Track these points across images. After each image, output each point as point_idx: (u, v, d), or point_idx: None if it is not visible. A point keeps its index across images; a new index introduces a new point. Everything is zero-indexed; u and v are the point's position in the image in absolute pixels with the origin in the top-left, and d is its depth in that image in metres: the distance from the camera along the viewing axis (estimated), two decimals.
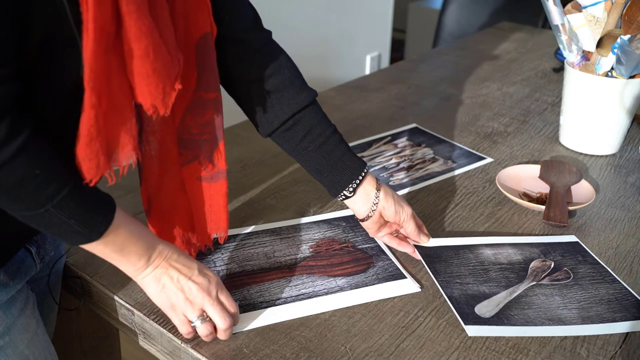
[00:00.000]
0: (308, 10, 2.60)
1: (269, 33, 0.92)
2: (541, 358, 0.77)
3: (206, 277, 0.76)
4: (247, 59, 0.89)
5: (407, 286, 0.88)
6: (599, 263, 0.95)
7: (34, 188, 0.62)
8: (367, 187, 0.91)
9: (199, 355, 0.76)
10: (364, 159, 1.23)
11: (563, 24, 1.25)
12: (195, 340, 0.78)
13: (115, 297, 0.85)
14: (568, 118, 1.30)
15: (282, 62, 0.91)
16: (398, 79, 1.70)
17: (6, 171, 0.60)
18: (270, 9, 2.42)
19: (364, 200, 0.91)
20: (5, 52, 0.59)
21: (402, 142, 1.32)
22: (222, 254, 0.94)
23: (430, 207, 1.08)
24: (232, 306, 0.77)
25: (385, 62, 3.16)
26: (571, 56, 1.27)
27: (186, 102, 0.80)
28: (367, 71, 3.05)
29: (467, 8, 2.60)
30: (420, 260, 0.93)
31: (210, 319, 0.76)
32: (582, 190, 1.11)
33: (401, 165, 1.22)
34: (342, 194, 0.91)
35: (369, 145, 1.30)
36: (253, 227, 1.00)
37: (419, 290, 0.88)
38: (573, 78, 1.26)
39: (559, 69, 1.77)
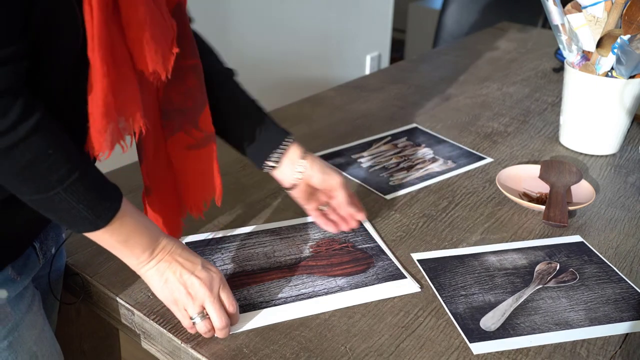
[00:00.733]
0: (308, 10, 2.60)
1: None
2: (541, 358, 0.77)
3: (209, 272, 0.77)
4: None
5: (407, 286, 0.88)
6: (605, 262, 0.95)
7: (46, 169, 0.63)
8: (293, 156, 0.92)
9: (199, 355, 0.76)
10: (364, 159, 1.24)
11: (563, 24, 1.25)
12: (195, 340, 0.78)
13: (116, 297, 0.85)
14: (568, 118, 1.30)
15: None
16: (398, 79, 1.70)
17: (21, 150, 0.62)
18: (270, 9, 2.42)
19: (290, 170, 0.92)
20: (14, 27, 0.60)
21: (402, 142, 1.32)
22: (222, 253, 0.94)
23: (430, 207, 1.08)
24: (232, 304, 0.78)
25: (385, 62, 3.16)
26: (571, 56, 1.27)
27: None
28: (367, 71, 3.05)
29: (467, 8, 2.60)
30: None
31: (209, 316, 0.76)
32: (582, 190, 1.11)
33: (401, 165, 1.22)
34: (266, 164, 0.92)
35: (369, 145, 1.30)
36: (253, 227, 1.00)
37: (419, 290, 0.87)
38: (573, 78, 1.26)
39: (559, 69, 1.77)
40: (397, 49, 3.87)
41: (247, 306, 0.83)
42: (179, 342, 0.78)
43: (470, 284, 0.89)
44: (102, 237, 0.71)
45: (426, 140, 1.33)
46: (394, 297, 0.86)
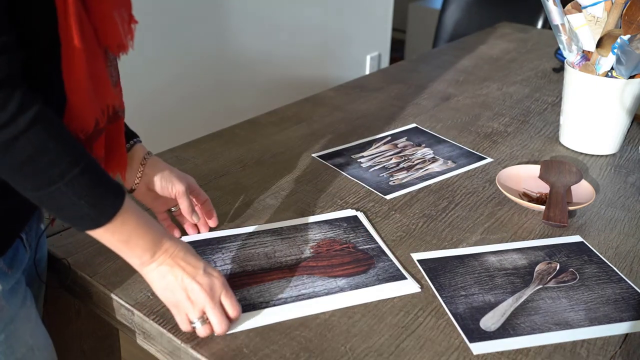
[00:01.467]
0: (308, 11, 2.60)
1: None
2: (541, 358, 0.77)
3: (211, 277, 0.76)
4: None
5: (407, 286, 0.88)
6: (605, 262, 0.95)
7: (47, 162, 0.63)
8: (134, 160, 0.89)
9: (198, 355, 0.76)
10: (364, 159, 1.24)
11: (563, 24, 1.25)
12: (195, 340, 0.78)
13: (115, 297, 0.85)
14: (568, 118, 1.30)
15: None
16: (398, 79, 1.70)
17: (22, 143, 0.61)
18: (270, 9, 2.42)
19: (130, 173, 0.89)
20: (3, 19, 0.60)
21: (402, 142, 1.32)
22: (223, 253, 0.93)
23: (430, 207, 1.08)
24: (235, 309, 0.78)
25: (385, 62, 3.16)
26: (571, 56, 1.27)
27: None
28: (367, 71, 3.05)
29: (467, 8, 2.60)
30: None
31: (210, 321, 0.76)
32: (582, 190, 1.11)
33: (401, 165, 1.22)
34: None
35: (369, 145, 1.30)
36: (255, 227, 1.00)
37: (419, 290, 0.87)
38: (573, 78, 1.26)
39: (559, 69, 1.77)
40: (397, 49, 3.87)
41: (247, 306, 0.83)
42: (179, 342, 0.78)
43: (470, 284, 0.89)
44: (103, 236, 0.70)
45: (426, 140, 1.33)
46: (394, 297, 0.86)
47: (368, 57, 3.04)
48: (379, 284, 0.88)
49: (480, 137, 1.35)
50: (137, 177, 0.90)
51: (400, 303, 0.85)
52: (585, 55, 1.27)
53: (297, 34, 2.59)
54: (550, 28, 1.35)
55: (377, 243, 0.97)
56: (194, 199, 0.95)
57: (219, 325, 0.76)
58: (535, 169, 1.16)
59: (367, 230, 1.00)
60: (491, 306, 0.85)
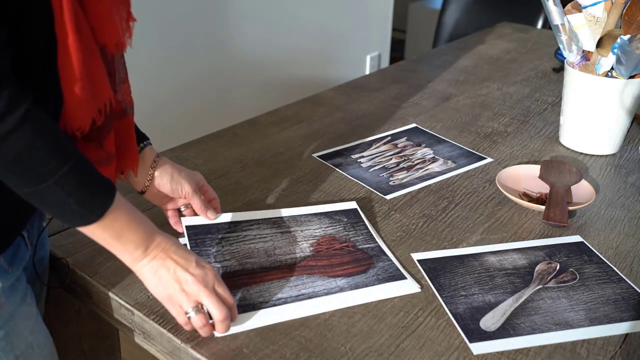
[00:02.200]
0: (308, 11, 2.60)
1: None
2: (541, 358, 0.77)
3: (203, 269, 0.77)
4: None
5: (407, 286, 0.88)
6: (605, 262, 0.95)
7: (36, 161, 0.63)
8: (144, 162, 0.90)
9: (198, 355, 0.76)
10: (364, 159, 1.24)
11: (563, 24, 1.25)
12: (195, 340, 0.78)
13: (115, 297, 0.85)
14: (568, 118, 1.30)
15: None
16: (398, 79, 1.70)
17: (10, 142, 0.61)
18: (270, 9, 2.42)
19: (141, 175, 0.90)
20: None
21: (402, 142, 1.32)
22: (223, 247, 0.93)
23: (430, 207, 1.08)
24: (229, 298, 0.78)
25: (385, 62, 3.16)
26: (571, 56, 1.27)
27: None
28: (367, 71, 3.05)
29: (467, 8, 2.60)
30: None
31: (204, 311, 0.76)
32: (582, 190, 1.11)
33: (401, 165, 1.22)
34: None
35: (369, 145, 1.30)
36: (256, 213, 1.01)
37: (419, 290, 0.87)
38: (573, 78, 1.26)
39: (559, 69, 1.77)
40: (397, 49, 3.87)
41: (247, 306, 0.83)
42: (179, 342, 0.78)
43: (470, 284, 0.89)
44: (94, 232, 0.70)
45: (426, 140, 1.33)
46: (394, 297, 0.86)
47: (368, 57, 3.04)
48: (378, 284, 0.88)
49: (480, 137, 1.35)
50: (148, 180, 0.91)
51: (400, 303, 0.85)
52: (585, 55, 1.27)
53: (297, 34, 2.59)
54: (550, 28, 1.35)
55: (376, 242, 0.97)
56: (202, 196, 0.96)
57: (217, 311, 0.75)
58: (535, 169, 1.16)
59: (367, 228, 1.00)
60: (491, 306, 0.85)
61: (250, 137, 1.31)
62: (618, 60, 1.17)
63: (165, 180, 0.91)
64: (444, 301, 0.85)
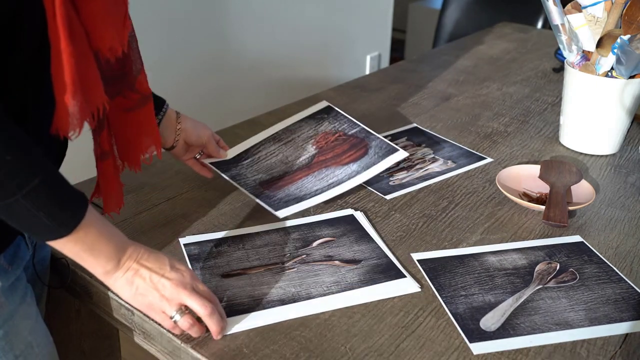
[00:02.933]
0: (308, 10, 2.60)
1: None
2: (541, 358, 0.77)
3: (179, 271, 0.76)
4: None
5: (407, 286, 0.88)
6: (605, 262, 0.94)
7: (4, 174, 0.62)
8: (170, 120, 1.01)
9: (198, 355, 0.76)
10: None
11: (563, 24, 1.25)
12: (195, 340, 0.78)
13: (115, 297, 0.85)
14: (568, 118, 1.30)
15: None
16: (398, 79, 1.70)
17: None
18: (270, 10, 2.42)
19: (169, 131, 1.01)
20: None
21: (402, 142, 1.32)
22: (246, 169, 1.09)
23: (430, 207, 1.08)
24: (210, 295, 0.78)
25: (385, 62, 3.16)
26: (571, 56, 1.27)
27: None
28: (367, 71, 3.05)
29: (467, 8, 2.60)
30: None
31: (189, 312, 0.76)
32: (582, 190, 1.11)
33: (401, 165, 1.22)
34: None
35: None
36: (252, 139, 1.17)
37: (419, 290, 0.87)
38: (573, 78, 1.26)
39: (559, 69, 1.77)
40: (397, 49, 3.87)
41: (291, 200, 1.01)
42: (179, 342, 0.78)
43: (470, 284, 0.89)
44: (66, 246, 0.69)
45: (426, 140, 1.33)
46: (394, 297, 0.86)
47: (368, 57, 3.04)
48: (379, 282, 0.88)
49: (480, 137, 1.35)
50: (177, 134, 1.02)
51: (400, 303, 0.85)
52: (585, 55, 1.27)
53: (297, 34, 2.59)
54: (550, 28, 1.35)
55: (359, 125, 1.15)
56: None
57: (202, 308, 0.75)
58: (535, 169, 1.16)
59: (346, 116, 1.18)
60: (491, 306, 0.85)
61: (250, 137, 1.31)
62: (618, 60, 1.17)
63: (190, 131, 1.04)
64: (444, 301, 0.85)
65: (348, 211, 1.05)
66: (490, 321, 0.82)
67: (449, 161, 1.24)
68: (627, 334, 0.81)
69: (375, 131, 1.37)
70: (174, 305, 0.75)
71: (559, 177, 1.12)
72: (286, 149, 1.14)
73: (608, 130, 1.26)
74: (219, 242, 0.96)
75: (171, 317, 0.75)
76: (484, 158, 1.26)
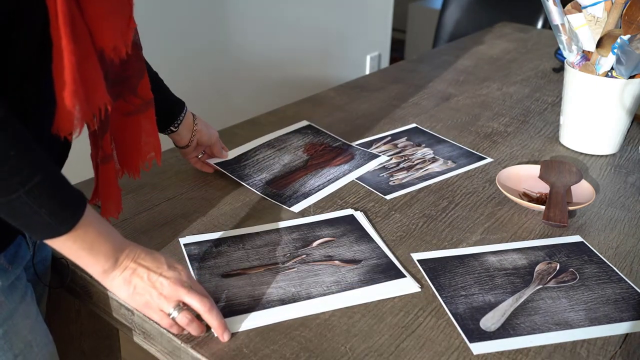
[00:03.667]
0: (308, 10, 2.60)
1: None
2: (541, 358, 0.77)
3: (176, 270, 0.77)
4: None
5: (407, 286, 0.88)
6: (605, 262, 0.94)
7: (7, 171, 0.62)
8: (188, 122, 1.08)
9: (198, 355, 0.76)
10: None
11: (563, 24, 1.25)
12: (195, 340, 0.78)
13: (115, 297, 0.85)
14: (568, 118, 1.30)
15: None
16: (398, 79, 1.70)
17: None
18: (270, 9, 2.42)
19: (186, 131, 1.08)
20: None
21: (402, 142, 1.32)
22: (251, 167, 1.16)
23: (430, 207, 1.08)
24: (207, 294, 0.78)
25: (385, 62, 3.16)
26: (571, 56, 1.27)
27: None
28: (367, 71, 3.05)
29: (467, 8, 2.60)
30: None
31: (187, 308, 0.76)
32: (582, 190, 1.11)
33: (401, 165, 1.22)
34: (170, 129, 1.06)
35: (369, 145, 1.30)
36: (248, 144, 1.25)
37: (419, 290, 0.87)
38: (573, 78, 1.26)
39: (559, 69, 1.77)
40: (397, 49, 3.87)
41: (298, 197, 1.07)
42: (179, 342, 0.78)
43: (470, 284, 0.89)
44: (64, 244, 0.69)
45: (426, 140, 1.33)
46: (394, 297, 0.86)
47: (368, 57, 3.04)
48: (379, 282, 0.88)
49: (480, 137, 1.35)
50: (193, 135, 1.09)
51: (400, 303, 0.85)
52: (585, 55, 1.27)
53: (297, 34, 2.59)
54: (550, 28, 1.35)
55: (340, 140, 1.27)
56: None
57: (201, 304, 0.75)
58: (535, 169, 1.16)
59: (327, 132, 1.29)
60: (491, 306, 0.85)
61: (250, 137, 1.31)
62: (618, 60, 1.17)
63: (203, 132, 1.10)
64: (444, 301, 0.85)
65: (348, 211, 1.05)
66: (490, 321, 0.82)
67: (449, 161, 1.24)
68: (627, 334, 0.81)
69: (375, 131, 1.38)
70: (172, 303, 0.75)
71: (559, 177, 1.12)
72: (281, 154, 1.22)
73: (608, 130, 1.26)
74: (219, 242, 0.96)
75: (169, 315, 0.76)
76: (484, 158, 1.26)
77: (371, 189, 1.13)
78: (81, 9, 0.65)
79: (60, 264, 0.91)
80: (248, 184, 1.11)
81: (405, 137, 1.34)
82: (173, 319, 0.76)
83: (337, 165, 1.18)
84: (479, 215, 1.06)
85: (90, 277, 0.87)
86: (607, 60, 1.21)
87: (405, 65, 1.86)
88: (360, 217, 1.04)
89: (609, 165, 1.25)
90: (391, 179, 1.17)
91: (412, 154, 1.26)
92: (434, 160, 1.24)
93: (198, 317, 0.77)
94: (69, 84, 0.64)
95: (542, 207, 1.05)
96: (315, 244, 0.97)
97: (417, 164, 1.23)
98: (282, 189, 1.10)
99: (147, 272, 0.75)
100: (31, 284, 0.85)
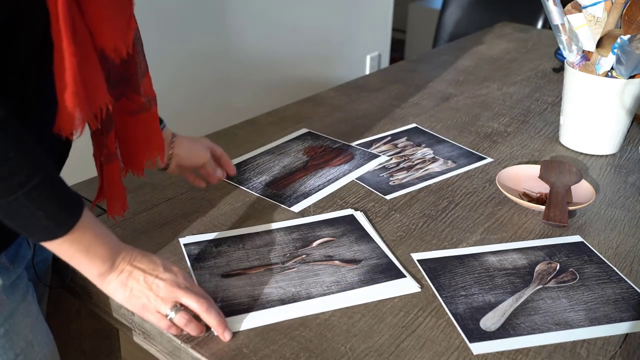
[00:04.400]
0: (308, 11, 2.60)
1: None
2: (541, 358, 0.77)
3: (172, 272, 0.77)
4: None
5: (407, 286, 0.88)
6: (605, 262, 0.94)
7: (7, 171, 0.62)
8: (165, 141, 0.97)
9: (198, 355, 0.76)
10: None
11: (563, 24, 1.25)
12: (195, 340, 0.78)
13: None
14: (568, 118, 1.30)
15: None
16: (398, 79, 1.70)
17: None
18: (270, 9, 2.42)
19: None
20: None
21: (402, 142, 1.32)
22: (251, 171, 1.15)
23: (430, 207, 1.08)
24: (205, 294, 0.78)
25: (385, 62, 3.16)
26: (571, 56, 1.27)
27: None
28: (367, 71, 3.05)
29: (467, 8, 2.60)
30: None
31: (184, 309, 0.76)
32: (582, 190, 1.11)
33: (401, 165, 1.22)
34: None
35: (369, 145, 1.30)
36: (251, 153, 1.24)
37: (419, 290, 0.87)
38: (573, 78, 1.26)
39: (559, 69, 1.77)
40: (397, 49, 3.87)
41: (300, 196, 1.09)
42: (179, 342, 0.78)
43: (470, 284, 0.89)
44: (61, 247, 0.69)
45: (426, 140, 1.33)
46: (394, 297, 0.86)
47: (368, 57, 3.04)
48: (379, 282, 0.88)
49: (480, 137, 1.35)
50: (169, 159, 1.01)
51: (400, 303, 0.85)
52: (585, 55, 1.27)
53: (297, 34, 2.59)
54: (550, 28, 1.35)
55: (338, 142, 1.27)
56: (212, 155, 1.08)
57: (198, 304, 0.75)
58: (535, 169, 1.16)
59: (326, 136, 1.30)
60: (491, 306, 0.85)
61: (250, 137, 1.31)
62: (618, 60, 1.17)
63: (183, 157, 1.02)
64: (444, 301, 0.85)
65: (348, 211, 1.05)
66: (490, 321, 0.82)
67: (449, 161, 1.24)
68: (627, 334, 0.81)
69: (375, 131, 1.38)
70: (169, 304, 0.75)
71: (559, 177, 1.12)
72: (281, 158, 1.22)
73: (608, 130, 1.26)
74: (219, 242, 0.96)
75: (166, 316, 0.76)
76: (484, 158, 1.26)
77: (371, 189, 1.13)
78: (82, 10, 0.65)
79: (60, 264, 0.91)
80: (248, 188, 1.11)
81: (405, 137, 1.34)
82: (171, 320, 0.76)
83: (337, 165, 1.19)
84: (479, 215, 1.06)
85: None
86: (607, 60, 1.21)
87: (405, 65, 1.86)
88: (360, 217, 1.04)
89: (609, 165, 1.25)
90: (391, 179, 1.17)
91: (412, 154, 1.26)
92: (434, 160, 1.24)
93: (198, 317, 0.77)
94: (70, 85, 0.64)
95: (542, 207, 1.05)
96: (315, 244, 0.97)
97: (417, 164, 1.23)
98: (282, 190, 1.10)
99: (143, 274, 0.75)
100: (32, 283, 0.85)
